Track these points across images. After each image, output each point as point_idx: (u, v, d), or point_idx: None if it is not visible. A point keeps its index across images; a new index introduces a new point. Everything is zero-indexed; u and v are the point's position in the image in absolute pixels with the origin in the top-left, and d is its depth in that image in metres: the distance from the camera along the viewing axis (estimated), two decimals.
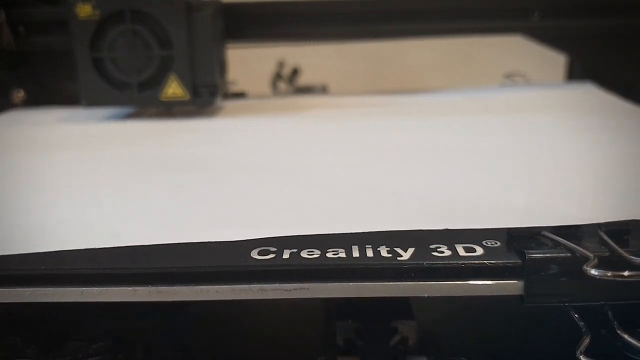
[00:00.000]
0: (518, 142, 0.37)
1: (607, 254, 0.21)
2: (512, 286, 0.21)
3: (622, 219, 0.23)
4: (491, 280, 0.21)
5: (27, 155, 0.38)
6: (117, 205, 0.28)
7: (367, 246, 0.22)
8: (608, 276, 0.20)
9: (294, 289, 0.21)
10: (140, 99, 0.45)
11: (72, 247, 0.23)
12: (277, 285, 0.21)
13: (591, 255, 0.21)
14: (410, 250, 0.21)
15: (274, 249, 0.22)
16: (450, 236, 0.22)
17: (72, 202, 0.28)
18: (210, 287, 0.21)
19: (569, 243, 0.21)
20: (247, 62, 0.59)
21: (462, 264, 0.21)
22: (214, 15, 0.44)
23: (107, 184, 0.31)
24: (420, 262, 0.21)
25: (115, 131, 0.44)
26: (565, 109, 0.47)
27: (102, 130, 0.44)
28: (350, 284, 0.21)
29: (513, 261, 0.21)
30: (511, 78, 0.56)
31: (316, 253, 0.21)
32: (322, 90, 0.61)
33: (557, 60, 0.59)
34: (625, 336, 0.22)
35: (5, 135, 0.44)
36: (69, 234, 0.24)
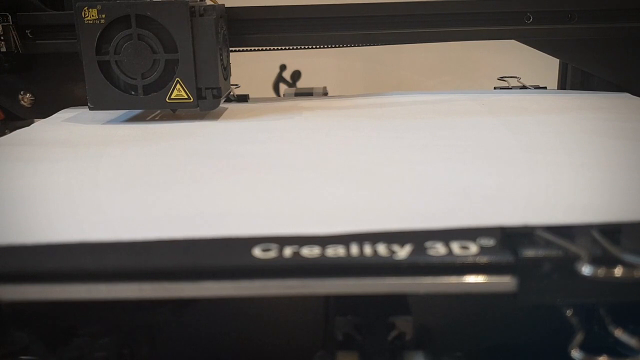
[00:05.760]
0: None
1: (600, 253, 0.21)
2: (506, 284, 0.21)
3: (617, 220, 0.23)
4: (485, 278, 0.21)
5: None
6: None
7: (365, 244, 0.22)
8: (600, 275, 0.21)
9: (295, 286, 0.22)
10: (146, 101, 0.45)
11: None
12: (278, 282, 0.21)
13: (584, 254, 0.21)
14: (407, 248, 0.22)
15: (275, 246, 0.22)
16: (445, 234, 0.23)
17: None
18: (214, 283, 0.22)
19: (562, 242, 0.22)
20: (249, 65, 0.60)
21: (457, 261, 0.21)
22: (218, 19, 0.45)
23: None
24: (416, 259, 0.21)
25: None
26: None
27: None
28: (349, 280, 0.21)
29: (507, 259, 0.21)
30: (505, 80, 0.57)
31: (316, 251, 0.22)
32: (323, 92, 0.62)
33: (550, 64, 0.60)
34: (617, 333, 0.22)
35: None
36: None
